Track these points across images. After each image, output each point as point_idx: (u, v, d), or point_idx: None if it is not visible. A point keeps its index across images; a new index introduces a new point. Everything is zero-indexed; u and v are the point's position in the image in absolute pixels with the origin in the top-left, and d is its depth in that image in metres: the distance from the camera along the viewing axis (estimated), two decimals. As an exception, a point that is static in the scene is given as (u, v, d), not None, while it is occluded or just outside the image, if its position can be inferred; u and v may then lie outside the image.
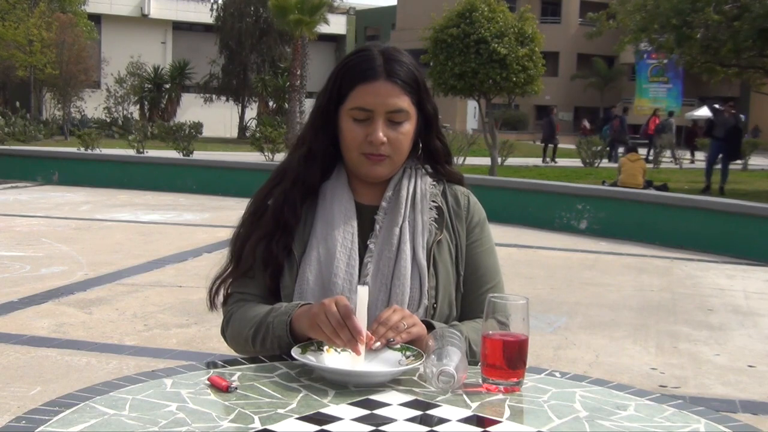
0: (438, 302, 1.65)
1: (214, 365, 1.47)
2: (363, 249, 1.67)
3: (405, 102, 1.65)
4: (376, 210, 1.70)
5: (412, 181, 1.72)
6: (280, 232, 1.67)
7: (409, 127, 1.67)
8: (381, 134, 1.63)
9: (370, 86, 1.63)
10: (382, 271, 1.64)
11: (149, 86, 35.96)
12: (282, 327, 1.54)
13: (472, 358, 1.53)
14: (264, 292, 1.69)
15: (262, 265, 1.68)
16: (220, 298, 1.75)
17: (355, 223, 1.68)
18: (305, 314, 1.51)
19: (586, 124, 33.53)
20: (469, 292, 1.71)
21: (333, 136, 1.70)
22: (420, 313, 1.61)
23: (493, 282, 1.74)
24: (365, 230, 1.69)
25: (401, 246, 1.65)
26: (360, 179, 1.72)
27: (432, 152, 1.76)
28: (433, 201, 1.72)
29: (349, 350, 1.46)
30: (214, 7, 35.41)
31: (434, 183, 1.76)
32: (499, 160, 18.53)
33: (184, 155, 19.20)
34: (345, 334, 1.42)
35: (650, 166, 21.44)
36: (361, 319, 1.44)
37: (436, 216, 1.71)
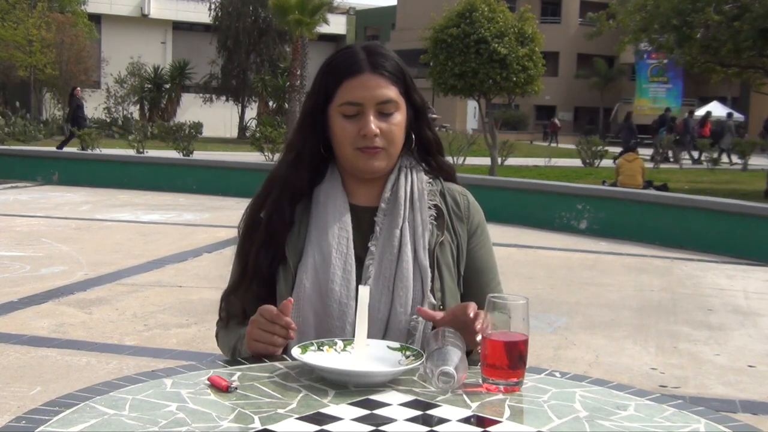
0: (445, 303, 1.64)
1: (214, 365, 1.47)
2: (363, 251, 1.66)
3: (393, 92, 1.65)
4: (373, 211, 1.69)
5: (409, 179, 1.72)
6: (269, 241, 1.67)
7: (400, 118, 1.67)
8: (373, 126, 1.63)
9: (357, 80, 1.64)
10: (384, 273, 1.63)
11: (149, 86, 35.95)
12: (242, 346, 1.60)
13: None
14: (253, 308, 1.66)
15: (256, 275, 1.69)
16: None
17: (349, 227, 1.67)
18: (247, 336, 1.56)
19: (557, 121, 34.74)
20: (470, 292, 1.71)
21: (323, 138, 1.69)
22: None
23: (494, 282, 1.75)
24: (364, 232, 1.68)
25: (402, 248, 1.64)
26: (355, 179, 1.71)
27: (425, 143, 1.76)
28: (432, 200, 1.71)
29: (350, 350, 1.46)
30: (212, 6, 35.38)
31: (431, 181, 1.75)
32: (499, 160, 18.53)
33: (184, 155, 19.20)
34: (279, 330, 1.47)
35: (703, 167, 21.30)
36: (361, 319, 1.44)
37: (436, 216, 1.70)
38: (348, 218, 1.67)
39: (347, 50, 1.70)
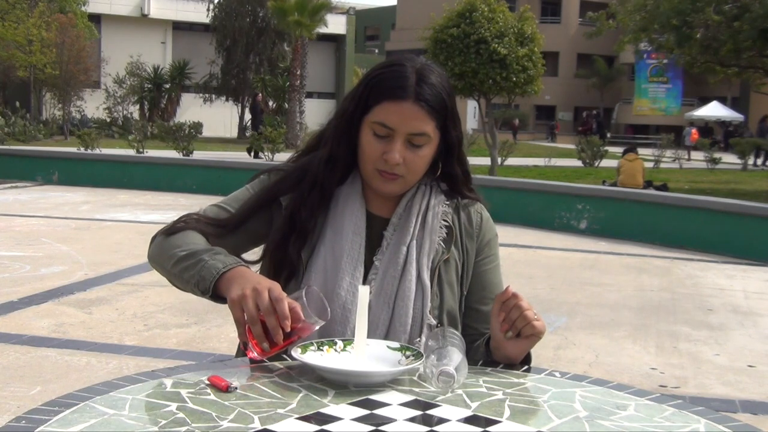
0: (443, 323, 1.63)
1: (214, 365, 1.47)
2: (369, 262, 1.65)
3: (429, 126, 1.61)
4: (386, 223, 1.68)
5: (425, 199, 1.70)
6: (296, 235, 1.65)
7: (428, 151, 1.64)
8: (397, 155, 1.60)
9: (397, 105, 1.59)
10: (386, 290, 1.62)
11: (149, 86, 35.92)
12: (211, 273, 1.51)
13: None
14: (235, 248, 1.66)
15: (276, 268, 1.66)
16: None
17: (363, 234, 1.65)
18: (238, 281, 1.47)
19: (516, 121, 40.29)
20: (473, 307, 1.70)
21: (355, 142, 1.67)
22: (424, 333, 1.60)
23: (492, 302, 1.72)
24: (373, 242, 1.67)
25: (407, 266, 1.63)
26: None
27: (451, 176, 1.73)
28: (444, 220, 1.69)
29: (350, 350, 1.46)
30: (210, 6, 35.33)
31: (448, 202, 1.72)
32: (499, 160, 18.52)
33: (184, 155, 19.19)
34: (271, 320, 1.39)
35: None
36: (361, 318, 1.44)
37: (445, 235, 1.68)
38: (363, 225, 1.66)
39: (399, 68, 1.63)
